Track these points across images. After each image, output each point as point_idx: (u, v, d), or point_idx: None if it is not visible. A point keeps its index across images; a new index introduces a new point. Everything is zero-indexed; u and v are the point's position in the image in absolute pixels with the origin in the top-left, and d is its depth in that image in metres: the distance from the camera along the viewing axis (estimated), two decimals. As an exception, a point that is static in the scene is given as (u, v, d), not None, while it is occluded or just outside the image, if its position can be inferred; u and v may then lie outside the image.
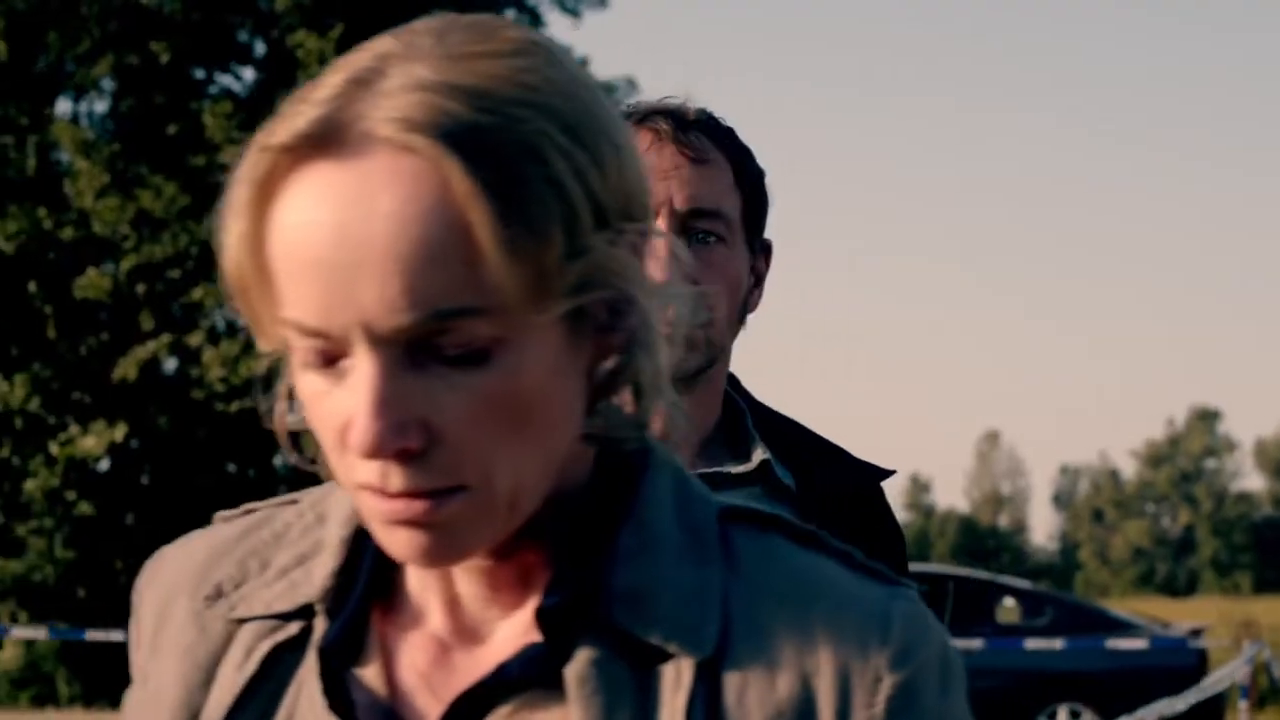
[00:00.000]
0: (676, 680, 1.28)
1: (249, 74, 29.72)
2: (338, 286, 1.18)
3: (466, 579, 1.34)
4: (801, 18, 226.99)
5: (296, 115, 1.20)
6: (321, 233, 1.18)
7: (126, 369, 26.48)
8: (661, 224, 2.39)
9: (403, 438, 1.20)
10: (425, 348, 1.20)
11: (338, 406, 1.22)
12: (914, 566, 20.65)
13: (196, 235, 25.93)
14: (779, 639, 1.29)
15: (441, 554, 1.26)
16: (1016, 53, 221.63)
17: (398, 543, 1.25)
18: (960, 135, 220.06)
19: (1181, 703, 14.76)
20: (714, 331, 2.43)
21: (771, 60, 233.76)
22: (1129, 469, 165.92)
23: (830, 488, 2.51)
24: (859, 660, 1.28)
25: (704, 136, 2.46)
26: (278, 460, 29.61)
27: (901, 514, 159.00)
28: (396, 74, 1.20)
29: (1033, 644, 17.58)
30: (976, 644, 17.45)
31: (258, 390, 1.34)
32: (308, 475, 1.34)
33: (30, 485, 27.69)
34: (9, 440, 27.91)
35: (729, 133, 2.51)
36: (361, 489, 1.24)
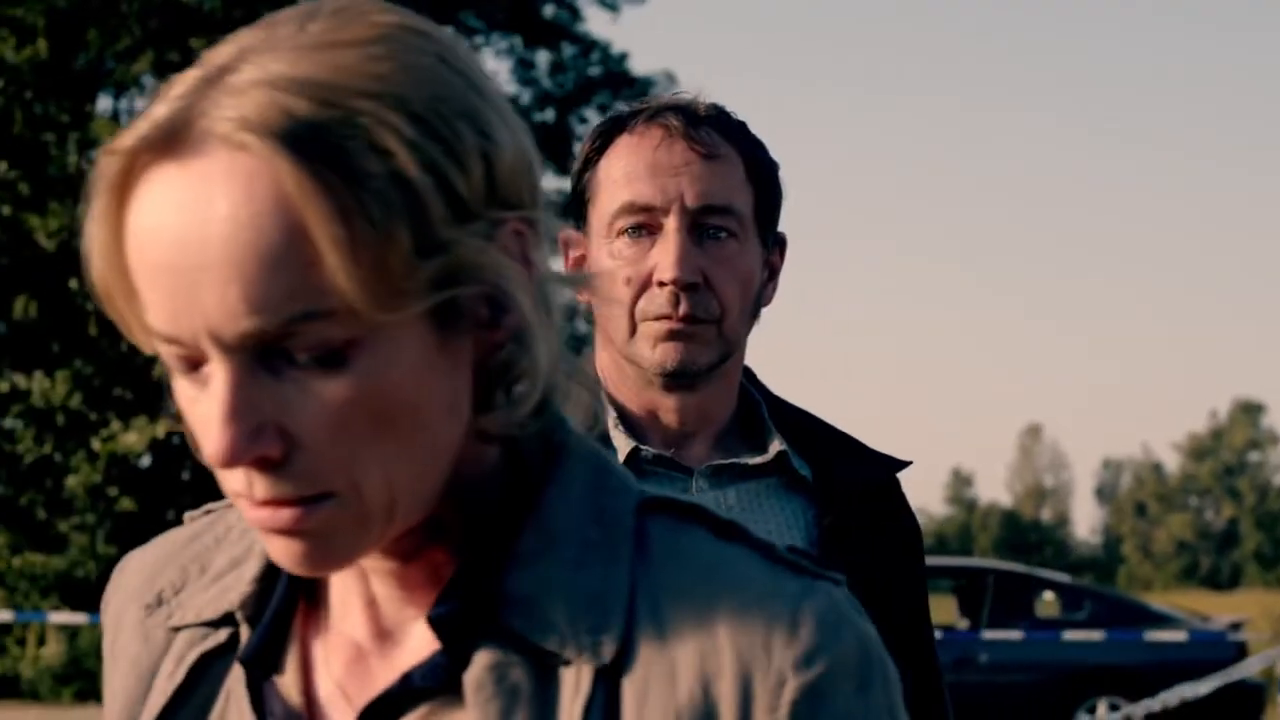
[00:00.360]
0: (576, 686, 1.24)
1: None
2: (182, 292, 1.15)
3: (380, 580, 1.32)
4: (841, 13, 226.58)
5: (145, 116, 1.17)
6: (165, 237, 1.15)
7: (167, 365, 26.47)
8: (673, 220, 2.40)
9: (257, 446, 1.16)
10: (278, 352, 1.16)
11: (203, 413, 1.19)
12: (953, 561, 20.63)
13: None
14: (683, 640, 1.24)
15: (318, 562, 1.22)
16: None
17: (275, 550, 1.23)
18: (1003, 129, 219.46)
19: (1204, 687, 14.75)
20: (727, 327, 2.44)
21: (809, 56, 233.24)
22: (1172, 462, 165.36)
23: (847, 480, 2.52)
24: (763, 661, 1.22)
25: (715, 132, 2.46)
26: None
27: (943, 508, 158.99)
28: (247, 69, 1.16)
29: (1072, 637, 17.55)
30: (1016, 637, 17.44)
31: (167, 394, 1.27)
32: None
33: (72, 481, 27.76)
34: (51, 437, 27.98)
35: (741, 127, 2.52)
36: (235, 497, 1.21)
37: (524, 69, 31.29)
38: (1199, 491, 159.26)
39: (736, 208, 2.44)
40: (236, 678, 1.34)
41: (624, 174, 2.44)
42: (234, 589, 1.37)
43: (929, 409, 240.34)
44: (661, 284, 2.40)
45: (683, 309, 2.40)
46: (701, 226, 2.42)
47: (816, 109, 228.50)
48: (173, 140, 1.15)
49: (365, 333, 1.16)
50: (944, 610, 21.13)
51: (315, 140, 1.13)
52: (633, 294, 2.42)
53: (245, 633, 1.36)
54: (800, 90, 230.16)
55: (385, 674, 1.30)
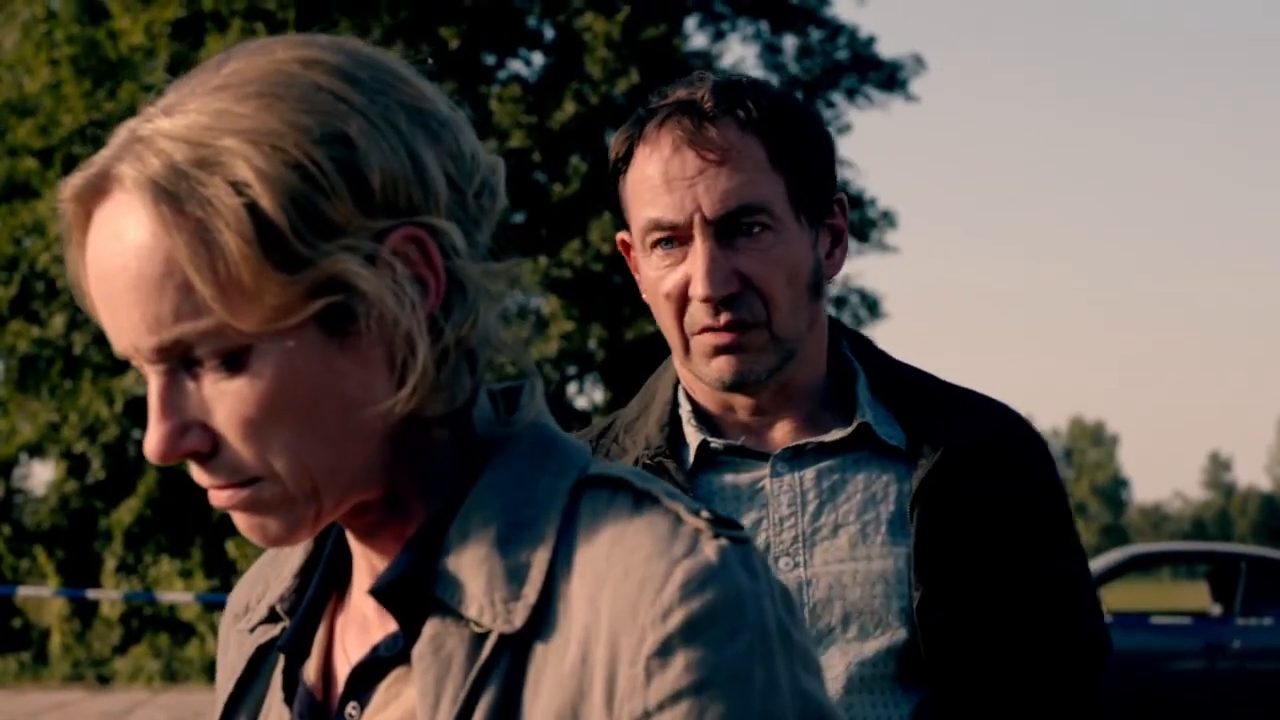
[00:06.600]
0: (493, 652, 1.35)
1: (538, 59, 29.82)
2: (109, 316, 1.37)
3: (364, 556, 1.48)
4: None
5: (85, 165, 1.38)
6: (94, 273, 1.37)
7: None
8: (698, 233, 2.35)
9: (185, 443, 1.37)
10: (194, 360, 1.36)
11: None
12: (1204, 546, 20.20)
13: (486, 218, 26.00)
14: (578, 609, 1.33)
15: (265, 534, 1.40)
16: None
17: (237, 524, 1.41)
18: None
19: None
20: (778, 325, 2.37)
21: (1057, 34, 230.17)
22: None
23: (943, 443, 2.39)
24: (630, 623, 1.30)
25: (731, 123, 2.37)
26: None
27: (1201, 492, 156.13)
28: (158, 121, 1.36)
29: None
30: (1269, 624, 17.14)
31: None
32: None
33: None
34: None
35: (758, 107, 2.39)
36: None
37: (771, 54, 31.08)
38: None
39: (762, 202, 2.36)
40: (279, 666, 1.53)
41: (645, 189, 2.39)
42: (277, 586, 1.56)
43: (1187, 392, 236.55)
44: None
45: (724, 319, 2.34)
46: (731, 227, 2.35)
47: (1071, 86, 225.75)
48: (99, 190, 1.37)
49: (256, 340, 1.34)
50: (1196, 596, 20.78)
51: (183, 183, 1.33)
52: (675, 309, 2.38)
53: (288, 623, 1.54)
54: (1050, 70, 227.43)
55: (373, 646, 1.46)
